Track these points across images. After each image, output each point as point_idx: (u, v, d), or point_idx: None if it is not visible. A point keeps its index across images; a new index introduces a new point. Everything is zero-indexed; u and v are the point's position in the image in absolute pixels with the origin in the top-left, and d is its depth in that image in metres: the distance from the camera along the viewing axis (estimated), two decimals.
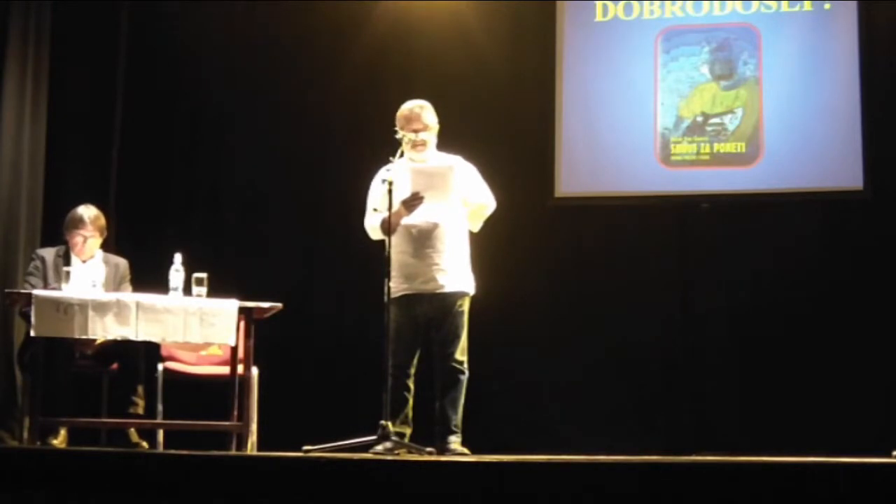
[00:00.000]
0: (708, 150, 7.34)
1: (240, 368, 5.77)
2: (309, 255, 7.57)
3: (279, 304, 5.86)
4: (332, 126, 7.61)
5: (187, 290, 5.71)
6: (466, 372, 5.49)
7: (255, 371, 5.97)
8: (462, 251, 5.56)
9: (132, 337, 5.55)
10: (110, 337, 5.59)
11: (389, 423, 5.15)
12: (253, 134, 7.65)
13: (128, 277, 6.26)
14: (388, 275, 5.31)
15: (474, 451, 5.37)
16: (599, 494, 3.69)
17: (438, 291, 5.47)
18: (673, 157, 7.37)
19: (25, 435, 5.68)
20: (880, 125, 7.10)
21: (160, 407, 6.12)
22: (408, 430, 5.44)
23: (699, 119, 7.38)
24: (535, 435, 6.82)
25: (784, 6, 7.34)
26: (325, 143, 7.59)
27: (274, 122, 7.62)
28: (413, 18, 7.61)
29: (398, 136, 5.52)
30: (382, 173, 5.47)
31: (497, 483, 3.79)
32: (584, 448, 5.55)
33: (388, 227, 5.33)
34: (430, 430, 5.45)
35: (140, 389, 6.01)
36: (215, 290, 5.77)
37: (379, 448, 5.05)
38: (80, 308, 5.47)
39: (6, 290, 5.91)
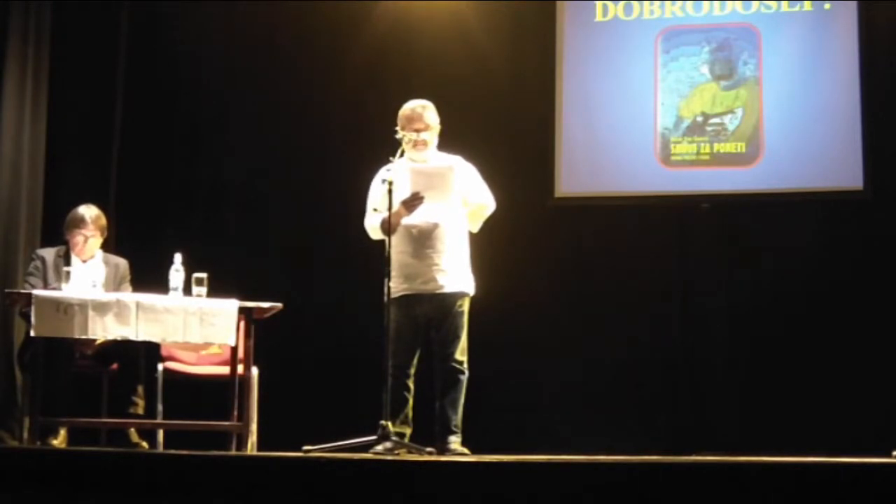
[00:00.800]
0: (708, 150, 7.33)
1: (240, 368, 5.77)
2: (309, 255, 7.57)
3: (279, 304, 5.86)
4: (332, 126, 7.61)
5: (187, 290, 5.71)
6: (466, 372, 5.49)
7: (255, 371, 5.97)
8: (462, 251, 5.57)
9: (132, 337, 5.55)
10: (110, 337, 5.59)
11: (389, 423, 5.15)
12: (253, 134, 7.65)
13: (128, 277, 6.26)
14: (388, 275, 5.31)
15: (474, 451, 5.37)
16: (599, 494, 3.69)
17: (438, 291, 5.47)
18: (673, 157, 7.37)
19: (25, 435, 5.68)
20: (880, 125, 7.09)
21: (160, 407, 6.12)
22: (408, 430, 5.44)
23: (699, 119, 7.37)
24: (535, 435, 6.81)
25: (784, 6, 7.34)
26: (325, 143, 7.59)
27: (274, 122, 7.61)
28: (413, 18, 7.61)
29: (398, 135, 5.52)
30: (382, 173, 5.47)
31: (497, 483, 3.79)
32: (584, 448, 5.55)
33: (388, 227, 5.33)
34: (430, 430, 5.46)
35: (140, 389, 6.02)
36: (215, 290, 5.77)
37: (379, 448, 5.05)
38: (80, 308, 5.48)
39: (6, 290, 5.91)
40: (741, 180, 7.24)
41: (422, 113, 5.56)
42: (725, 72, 7.38)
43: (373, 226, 5.57)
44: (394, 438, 5.13)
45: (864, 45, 7.14)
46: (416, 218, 5.44)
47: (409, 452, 5.13)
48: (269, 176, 7.60)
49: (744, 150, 7.29)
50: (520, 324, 7.18)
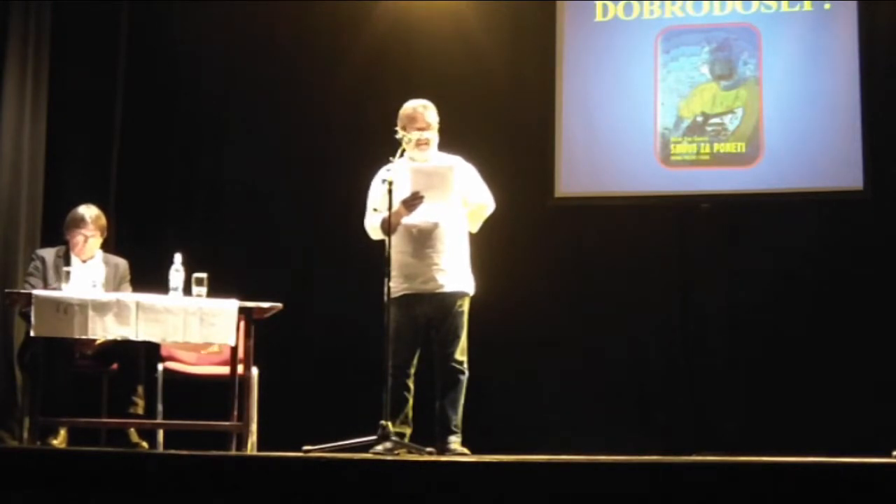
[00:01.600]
0: (708, 150, 7.33)
1: (240, 368, 5.77)
2: (309, 255, 7.57)
3: (279, 304, 5.86)
4: (332, 126, 7.61)
5: (187, 290, 5.71)
6: (466, 372, 5.49)
7: (255, 371, 5.97)
8: (462, 251, 5.57)
9: (132, 337, 5.55)
10: (110, 337, 5.59)
11: (389, 423, 5.15)
12: (253, 134, 7.65)
13: (128, 277, 6.26)
14: (388, 275, 5.31)
15: (474, 451, 5.37)
16: (599, 494, 3.69)
17: (438, 291, 5.47)
18: (673, 157, 7.37)
19: (25, 435, 5.68)
20: (880, 125, 7.09)
21: (160, 407, 6.12)
22: (408, 430, 5.44)
23: (699, 119, 7.37)
24: (535, 435, 6.81)
25: (784, 6, 7.34)
26: (325, 143, 7.59)
27: (274, 122, 7.61)
28: (413, 18, 7.61)
29: (399, 135, 5.52)
30: (382, 173, 5.47)
31: (497, 483, 3.79)
32: (584, 448, 5.55)
33: (388, 227, 5.33)
34: (430, 430, 5.45)
35: (140, 389, 6.02)
36: (215, 290, 5.77)
37: (379, 448, 5.05)
38: (80, 308, 5.48)
39: (6, 290, 5.91)
40: (741, 180, 7.24)
41: (423, 113, 5.57)
42: (725, 72, 7.38)
43: (373, 226, 5.57)
44: (394, 438, 5.13)
45: (864, 45, 7.14)
46: (416, 218, 5.44)
47: (409, 452, 5.13)
48: (269, 176, 7.60)
49: (744, 150, 7.29)
50: (520, 324, 7.18)
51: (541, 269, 7.30)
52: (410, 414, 5.47)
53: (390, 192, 5.32)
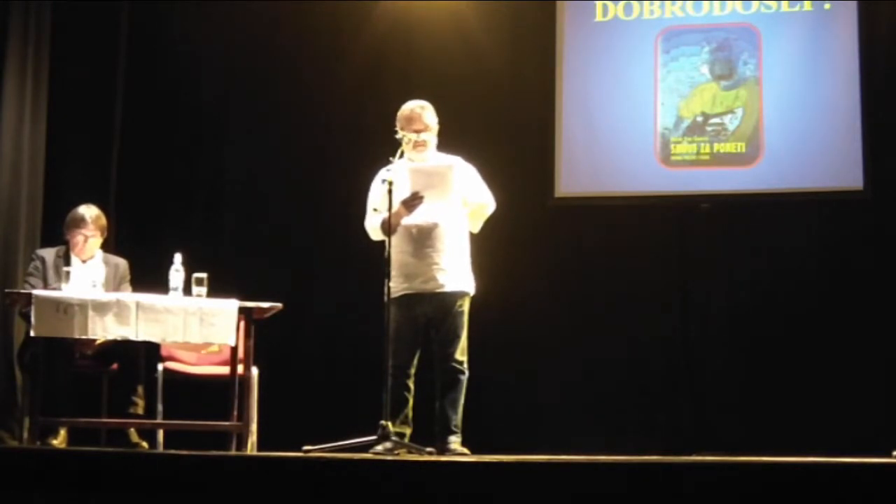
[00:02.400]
0: (708, 150, 7.33)
1: (240, 368, 5.77)
2: (309, 255, 7.57)
3: (279, 304, 5.86)
4: (332, 126, 7.61)
5: (187, 290, 5.71)
6: (466, 372, 5.49)
7: (255, 371, 5.97)
8: (462, 251, 5.57)
9: (132, 337, 5.55)
10: (110, 337, 5.59)
11: (389, 423, 5.15)
12: (253, 134, 7.65)
13: (128, 277, 6.26)
14: (388, 275, 5.31)
15: (474, 451, 5.37)
16: (599, 494, 3.69)
17: (438, 291, 5.47)
18: (673, 157, 7.37)
19: (25, 435, 5.68)
20: (880, 125, 7.09)
21: (160, 407, 6.12)
22: (408, 430, 5.44)
23: (699, 119, 7.37)
24: (535, 435, 6.81)
25: (784, 6, 7.34)
26: (325, 143, 7.59)
27: (274, 122, 7.61)
28: (413, 18, 7.61)
29: (398, 136, 5.52)
30: (382, 173, 5.47)
31: (497, 483, 3.79)
32: (584, 448, 5.55)
33: (388, 227, 5.33)
34: (430, 430, 5.45)
35: (140, 389, 6.02)
36: (215, 290, 5.77)
37: (379, 448, 5.05)
38: (80, 308, 5.47)
39: (6, 290, 5.91)
40: (741, 180, 7.24)
41: (421, 113, 5.57)
42: (725, 72, 7.37)
43: (373, 226, 5.57)
44: (394, 438, 5.13)
45: (864, 45, 7.14)
46: (416, 217, 5.44)
47: (409, 452, 5.13)
48: (269, 176, 7.60)
49: (744, 150, 7.29)
50: (520, 324, 7.18)
51: (541, 269, 7.30)
52: (410, 414, 5.47)
53: (390, 192, 5.32)
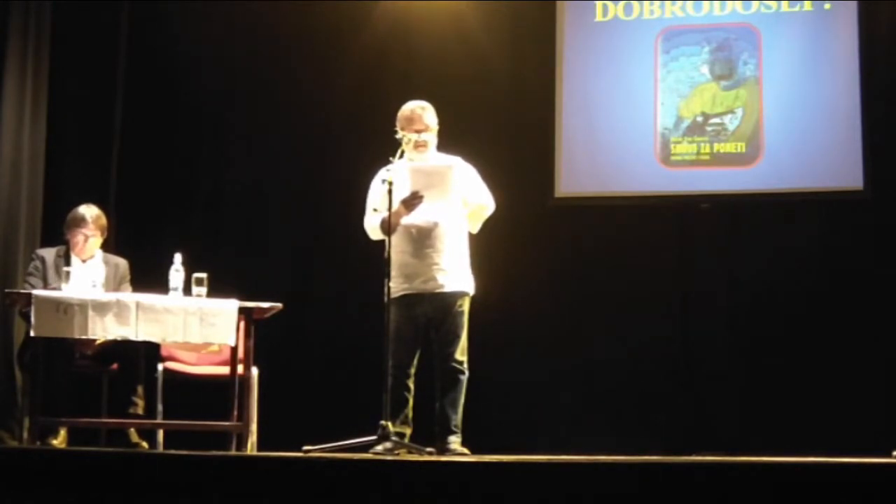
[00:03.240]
0: (708, 150, 7.33)
1: (240, 368, 5.77)
2: (309, 255, 7.57)
3: (279, 304, 5.86)
4: (332, 126, 7.61)
5: (187, 290, 5.71)
6: (466, 372, 5.49)
7: (255, 371, 5.97)
8: (462, 251, 5.56)
9: (132, 337, 5.55)
10: (110, 337, 5.59)
11: (389, 423, 5.15)
12: (253, 134, 7.65)
13: (128, 277, 6.26)
14: (388, 275, 5.31)
15: (474, 451, 5.37)
16: (599, 494, 3.69)
17: (438, 291, 5.47)
18: (673, 157, 7.37)
19: (25, 435, 5.68)
20: (880, 125, 7.10)
21: (160, 407, 6.12)
22: (408, 431, 5.44)
23: (699, 119, 7.38)
24: (535, 435, 6.81)
25: (784, 6, 7.34)
26: (325, 143, 7.59)
27: (274, 122, 7.61)
28: (413, 18, 7.61)
29: (398, 136, 5.52)
30: (382, 173, 5.47)
31: (497, 483, 3.79)
32: (584, 448, 5.55)
33: (387, 227, 5.33)
34: (430, 430, 5.45)
35: (140, 389, 6.01)
36: (215, 290, 5.77)
37: (379, 448, 5.05)
38: (80, 308, 5.47)
39: (6, 290, 5.90)
40: (741, 180, 7.24)
41: (421, 114, 5.57)
42: (725, 72, 7.38)
43: (373, 226, 5.57)
44: (394, 438, 5.13)
45: (864, 45, 7.14)
46: (416, 217, 5.44)
47: (409, 452, 5.13)
48: (268, 176, 7.60)
49: (744, 150, 7.29)
50: (520, 324, 7.19)
51: (541, 269, 7.30)
52: (410, 414, 5.47)
53: (390, 192, 5.31)
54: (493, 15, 7.57)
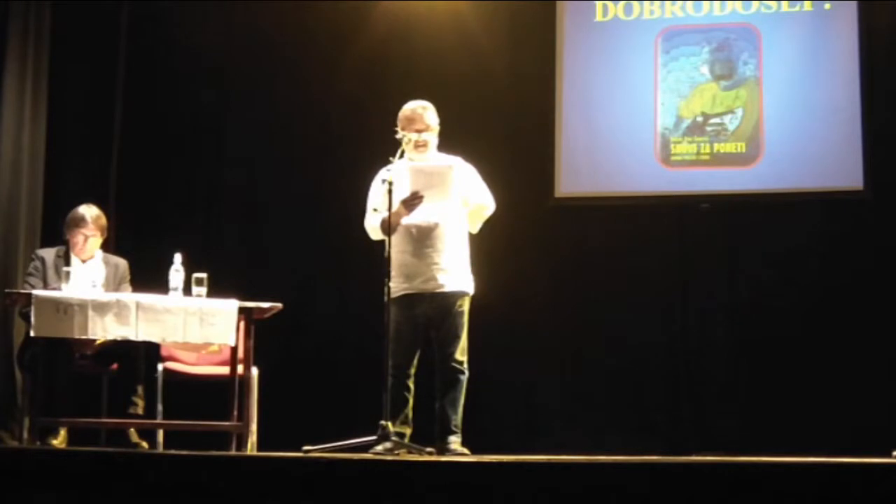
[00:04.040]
0: (708, 150, 7.34)
1: (240, 368, 5.77)
2: (309, 255, 7.57)
3: (279, 304, 5.86)
4: (332, 126, 7.61)
5: (187, 290, 5.71)
6: (466, 372, 5.49)
7: (255, 371, 5.97)
8: (462, 251, 5.56)
9: (132, 337, 5.55)
10: (110, 337, 5.59)
11: (389, 423, 5.14)
12: (253, 134, 7.65)
13: (127, 278, 6.26)
14: (388, 275, 5.31)
15: (474, 451, 5.37)
16: (599, 494, 3.69)
17: (438, 291, 5.47)
18: (673, 157, 7.37)
19: (25, 435, 5.68)
20: (880, 125, 7.10)
21: (160, 407, 6.12)
22: (408, 431, 5.43)
23: (699, 119, 7.38)
24: (535, 435, 6.82)
25: (784, 6, 7.34)
26: (325, 143, 7.59)
27: (274, 122, 7.61)
28: (413, 18, 7.61)
29: (399, 136, 5.52)
30: (382, 173, 5.47)
31: (497, 483, 3.79)
32: (584, 448, 5.55)
33: (387, 227, 5.33)
34: (430, 430, 5.45)
35: (140, 390, 6.01)
36: (215, 290, 5.77)
37: (379, 448, 5.05)
38: (80, 308, 5.47)
39: (6, 290, 5.91)
40: (741, 180, 7.24)
41: (422, 114, 5.56)
42: (725, 72, 7.38)
43: (373, 226, 5.57)
44: (394, 438, 5.13)
45: (864, 45, 7.14)
46: (416, 217, 5.44)
47: (409, 452, 5.13)
48: (269, 176, 7.60)
49: (744, 150, 7.29)
50: (520, 324, 7.19)
51: (541, 269, 7.30)
52: (410, 414, 5.46)
53: (390, 192, 5.31)
54: (493, 15, 7.57)
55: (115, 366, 6.09)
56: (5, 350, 6.65)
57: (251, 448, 5.79)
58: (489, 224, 5.73)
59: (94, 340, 5.82)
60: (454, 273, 5.49)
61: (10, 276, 6.78)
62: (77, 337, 5.55)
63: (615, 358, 7.16)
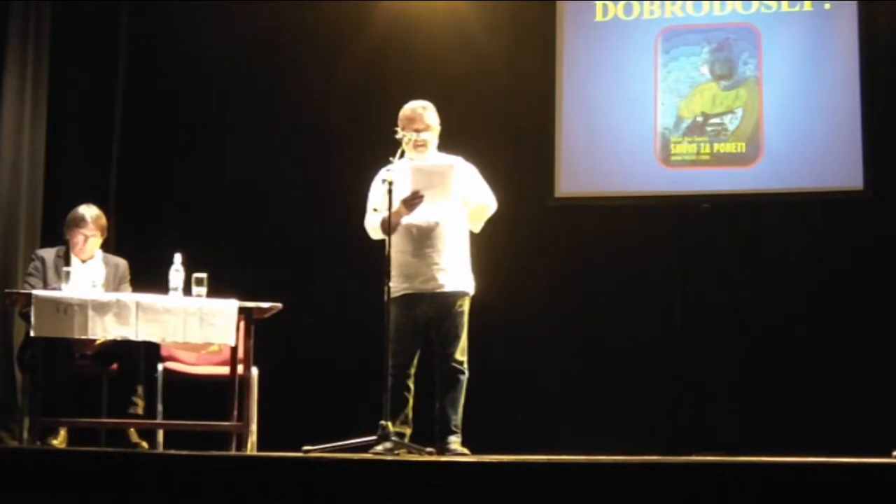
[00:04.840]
0: (708, 150, 7.33)
1: (240, 368, 5.77)
2: (309, 255, 7.57)
3: (279, 304, 5.86)
4: (332, 126, 7.61)
5: (187, 290, 5.71)
6: (466, 372, 5.49)
7: (255, 371, 5.97)
8: (462, 251, 5.56)
9: (132, 337, 5.55)
10: (110, 337, 5.59)
11: (389, 423, 5.15)
12: (253, 134, 7.65)
13: (127, 278, 6.26)
14: (388, 275, 5.31)
15: (474, 451, 5.37)
16: (599, 494, 3.69)
17: (438, 291, 5.47)
18: (673, 157, 7.37)
19: (25, 435, 5.68)
20: (880, 125, 7.09)
21: (160, 407, 6.12)
22: (408, 431, 5.44)
23: (699, 119, 7.37)
24: (535, 435, 6.81)
25: (784, 6, 7.34)
26: (325, 143, 7.59)
27: (274, 122, 7.61)
28: (413, 18, 7.61)
29: (399, 135, 5.52)
30: (382, 173, 5.47)
31: (497, 483, 3.79)
32: (584, 448, 5.55)
33: (388, 226, 5.33)
34: (430, 430, 5.45)
35: (140, 390, 6.01)
36: (215, 290, 5.77)
37: (379, 448, 5.05)
38: (80, 308, 5.47)
39: (6, 290, 5.90)
40: (741, 180, 7.24)
41: (422, 113, 5.57)
42: (725, 72, 7.37)
43: (373, 226, 5.57)
44: (394, 438, 5.13)
45: (864, 45, 7.14)
46: (417, 217, 5.44)
47: (409, 452, 5.13)
48: (268, 176, 7.60)
49: (744, 150, 7.29)
50: (520, 324, 7.19)
51: (541, 269, 7.30)
52: (410, 414, 5.47)
53: (390, 191, 5.31)
54: (493, 15, 7.57)
55: (115, 366, 6.09)
56: (5, 350, 6.65)
57: (251, 448, 5.79)
58: (489, 224, 5.73)
59: (94, 340, 5.83)
60: (454, 273, 5.49)
61: (10, 276, 6.78)
62: (77, 337, 5.55)
63: (615, 358, 7.15)
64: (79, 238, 6.12)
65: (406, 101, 5.64)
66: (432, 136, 5.59)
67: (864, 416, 6.60)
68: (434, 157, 5.59)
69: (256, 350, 5.86)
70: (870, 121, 7.07)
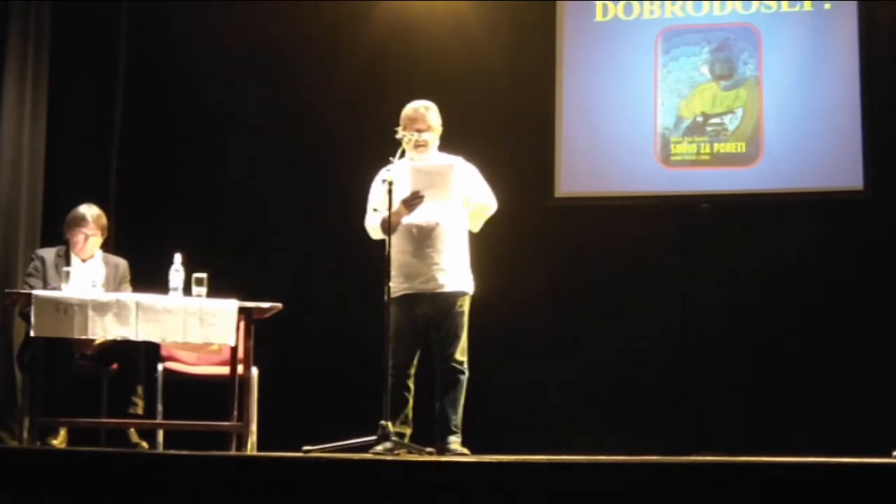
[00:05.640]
0: (708, 150, 7.33)
1: (240, 368, 5.77)
2: (309, 255, 7.57)
3: (279, 304, 5.86)
4: (332, 126, 7.61)
5: (187, 290, 5.72)
6: (466, 372, 5.49)
7: (255, 371, 5.97)
8: (462, 251, 5.56)
9: (132, 337, 5.56)
10: (110, 337, 5.60)
11: (389, 423, 5.15)
12: (253, 134, 7.65)
13: (127, 278, 6.26)
14: (388, 275, 5.31)
15: (474, 451, 5.37)
16: (599, 494, 3.69)
17: (438, 291, 5.47)
18: (673, 157, 7.37)
19: (25, 435, 5.68)
20: (880, 125, 7.09)
21: (160, 407, 6.12)
22: (408, 431, 5.44)
23: (699, 119, 7.37)
24: (535, 435, 6.81)
25: (784, 6, 7.34)
26: (325, 143, 7.59)
27: (274, 122, 7.61)
28: (413, 18, 7.61)
29: (399, 135, 5.51)
30: (383, 173, 5.46)
31: (497, 483, 3.79)
32: (585, 448, 5.55)
33: (388, 226, 5.33)
34: (430, 430, 5.45)
35: (140, 390, 6.02)
36: (215, 290, 5.77)
37: (379, 448, 5.05)
38: (80, 308, 5.48)
39: (6, 290, 5.91)
40: (741, 180, 7.24)
41: (424, 113, 5.57)
42: (725, 72, 7.37)
43: (373, 226, 5.57)
44: (394, 438, 5.13)
45: (864, 45, 7.14)
46: (417, 217, 5.44)
47: (409, 452, 5.13)
48: (269, 176, 7.60)
49: (744, 150, 7.29)
50: (520, 324, 7.19)
51: (541, 269, 7.30)
52: (410, 414, 5.47)
53: (390, 191, 5.31)
54: (493, 15, 7.57)
55: (115, 366, 6.10)
56: (5, 350, 6.65)
57: (251, 448, 5.79)
58: (489, 224, 5.73)
59: (94, 340, 5.83)
60: (454, 273, 5.50)
61: (10, 276, 6.78)
62: (77, 337, 5.56)
63: (615, 358, 7.15)
64: (79, 237, 6.12)
65: (406, 101, 5.64)
66: (433, 136, 5.58)
67: (864, 416, 6.60)
68: (434, 158, 5.59)
69: (256, 350, 5.86)
70: (870, 121, 7.07)
